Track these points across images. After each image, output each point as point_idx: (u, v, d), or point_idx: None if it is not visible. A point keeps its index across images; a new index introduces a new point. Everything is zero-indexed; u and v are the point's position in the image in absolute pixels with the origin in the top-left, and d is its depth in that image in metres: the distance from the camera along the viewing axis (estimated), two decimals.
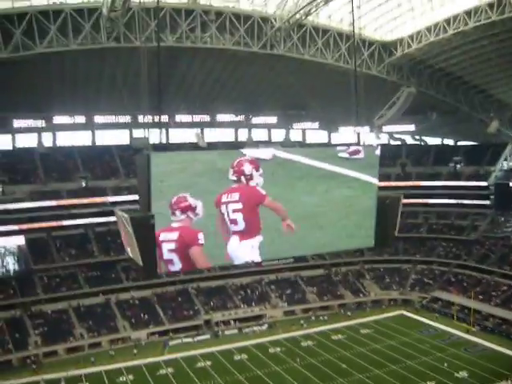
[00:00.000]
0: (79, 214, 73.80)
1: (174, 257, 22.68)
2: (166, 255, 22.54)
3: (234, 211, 22.78)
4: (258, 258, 24.27)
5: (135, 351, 60.27)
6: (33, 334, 62.22)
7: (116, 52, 58.03)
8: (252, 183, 23.02)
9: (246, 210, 22.84)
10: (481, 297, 69.25)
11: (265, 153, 24.35)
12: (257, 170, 23.15)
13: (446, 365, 53.20)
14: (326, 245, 27.65)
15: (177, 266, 22.79)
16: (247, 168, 22.85)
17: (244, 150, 24.30)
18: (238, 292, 76.12)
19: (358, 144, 34.41)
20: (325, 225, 26.48)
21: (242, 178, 22.89)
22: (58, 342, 61.57)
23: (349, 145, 29.33)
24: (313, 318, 72.04)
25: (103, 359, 58.63)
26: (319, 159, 26.00)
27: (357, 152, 26.94)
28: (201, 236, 22.46)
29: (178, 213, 22.03)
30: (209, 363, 57.08)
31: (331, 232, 27.04)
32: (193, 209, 22.24)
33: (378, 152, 28.29)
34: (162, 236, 22.31)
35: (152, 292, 72.69)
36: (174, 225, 22.34)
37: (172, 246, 22.46)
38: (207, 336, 66.07)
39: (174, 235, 22.38)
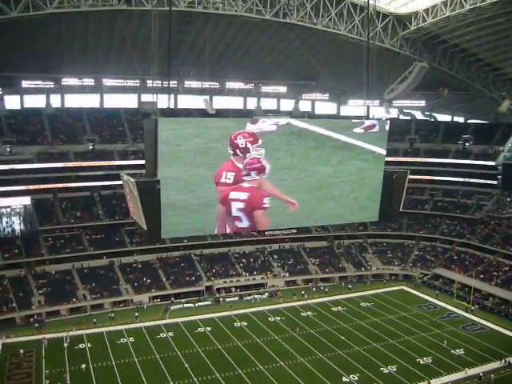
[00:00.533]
0: (85, 176, 74.01)
1: (242, 215, 23.91)
2: (235, 212, 23.75)
3: None
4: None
5: (137, 314, 61.07)
6: (36, 293, 63.04)
7: (127, 15, 57.35)
8: (249, 155, 23.14)
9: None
10: (482, 276, 69.46)
11: (270, 125, 24.34)
12: (253, 143, 23.18)
13: (445, 342, 53.68)
14: (338, 216, 28.06)
15: (244, 223, 24.10)
16: (240, 141, 22.98)
17: (260, 119, 24.49)
18: (240, 260, 76.65)
19: (367, 118, 34.19)
20: (337, 196, 26.85)
21: (238, 151, 23.04)
22: (61, 303, 62.38)
23: (358, 117, 29.23)
24: (314, 289, 72.66)
25: (105, 321, 59.52)
26: (332, 130, 26.13)
27: (372, 127, 27.01)
28: (266, 200, 23.89)
29: (253, 174, 23.27)
30: (209, 329, 57.85)
31: (343, 203, 27.39)
32: (264, 170, 23.44)
33: (387, 126, 28.28)
34: (232, 195, 23.38)
35: (155, 256, 73.32)
36: (245, 185, 23.41)
37: (241, 205, 23.65)
38: (208, 302, 66.82)
39: (244, 195, 23.49)
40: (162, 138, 22.33)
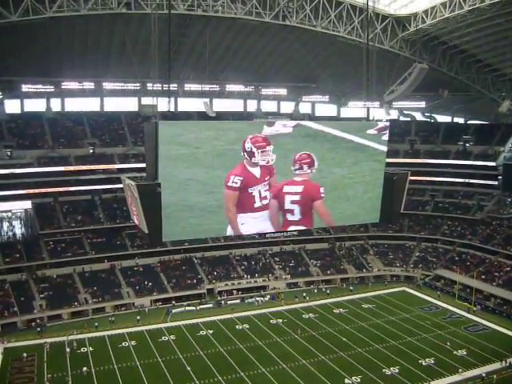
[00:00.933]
0: (86, 180, 74.02)
1: (296, 207, 25.01)
2: (288, 205, 24.83)
3: None
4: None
5: (138, 317, 61.02)
6: (38, 297, 62.96)
7: (126, 18, 57.48)
8: (254, 160, 23.48)
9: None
10: (483, 277, 69.38)
11: (286, 127, 24.92)
12: (259, 148, 23.51)
13: (448, 344, 53.43)
14: (351, 217, 28.53)
15: (296, 216, 25.19)
16: (247, 145, 23.37)
17: (278, 121, 25.08)
18: (241, 262, 76.60)
19: (367, 119, 34.25)
20: (352, 196, 27.42)
21: (245, 155, 23.40)
22: (63, 307, 62.32)
23: (359, 119, 29.41)
24: (315, 290, 72.60)
25: (106, 324, 59.49)
26: (346, 132, 26.66)
27: (385, 128, 27.58)
28: (322, 190, 25.14)
29: (305, 167, 24.60)
30: (211, 332, 57.76)
31: (357, 204, 27.88)
32: (314, 163, 24.78)
33: (387, 128, 28.42)
34: (286, 188, 24.60)
35: (156, 260, 73.27)
36: (297, 179, 24.71)
37: (296, 197, 24.82)
38: (210, 305, 66.77)
39: (299, 188, 24.69)
40: (180, 140, 22.80)
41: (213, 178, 23.43)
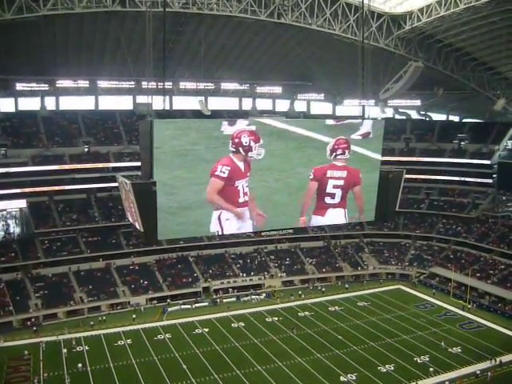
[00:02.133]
0: (81, 178, 73.77)
1: (338, 191, 25.62)
2: (330, 189, 25.48)
3: None
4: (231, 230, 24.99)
5: (134, 316, 60.94)
6: (33, 296, 62.79)
7: (121, 16, 57.34)
8: (251, 154, 23.31)
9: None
10: (478, 275, 69.57)
11: (248, 126, 24.13)
12: (256, 142, 23.37)
13: (443, 343, 53.34)
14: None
15: (336, 199, 25.83)
16: (244, 139, 23.10)
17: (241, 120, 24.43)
18: (237, 261, 76.58)
19: (362, 117, 34.21)
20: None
21: (240, 149, 23.16)
22: (58, 306, 62.19)
23: (351, 117, 29.24)
24: (311, 288, 72.68)
25: (102, 323, 59.38)
26: (316, 130, 25.92)
27: (367, 135, 27.13)
28: (361, 175, 25.86)
29: (347, 152, 25.27)
30: (206, 330, 57.77)
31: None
32: (350, 148, 25.42)
33: (382, 126, 28.20)
34: (329, 173, 25.24)
35: (152, 258, 73.18)
36: (338, 163, 25.34)
37: (340, 182, 25.48)
38: (205, 303, 66.74)
39: (343, 173, 25.38)
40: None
41: (173, 179, 22.87)
